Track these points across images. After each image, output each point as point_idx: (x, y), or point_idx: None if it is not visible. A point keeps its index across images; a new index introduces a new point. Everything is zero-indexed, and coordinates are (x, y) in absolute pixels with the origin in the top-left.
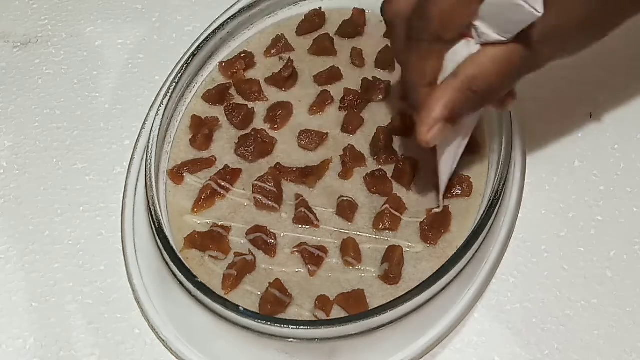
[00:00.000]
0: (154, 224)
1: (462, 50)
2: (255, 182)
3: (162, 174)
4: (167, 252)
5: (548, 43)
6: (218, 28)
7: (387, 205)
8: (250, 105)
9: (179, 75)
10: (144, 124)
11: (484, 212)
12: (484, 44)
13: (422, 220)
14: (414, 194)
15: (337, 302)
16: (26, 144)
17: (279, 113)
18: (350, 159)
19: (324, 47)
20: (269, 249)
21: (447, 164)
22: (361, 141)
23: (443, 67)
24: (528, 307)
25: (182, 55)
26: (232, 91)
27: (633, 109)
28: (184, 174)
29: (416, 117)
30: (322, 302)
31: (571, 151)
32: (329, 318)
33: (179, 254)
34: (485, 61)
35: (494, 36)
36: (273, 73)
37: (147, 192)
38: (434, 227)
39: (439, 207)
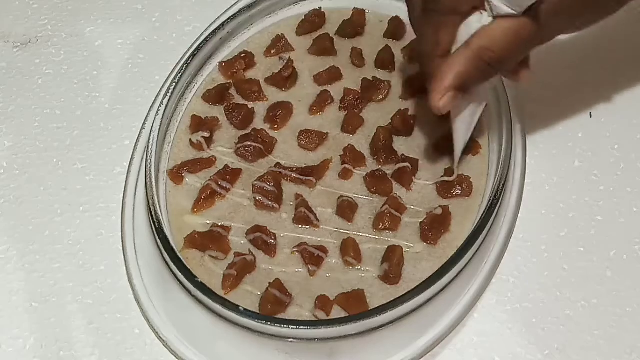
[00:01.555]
0: (154, 224)
1: (475, 22)
2: (255, 182)
3: (162, 174)
4: (167, 252)
5: (557, 17)
6: (218, 28)
7: (387, 205)
8: (250, 105)
9: (179, 75)
10: (144, 124)
11: (484, 212)
12: (496, 17)
13: (422, 220)
14: (414, 194)
15: (337, 302)
16: (26, 144)
17: (279, 113)
18: (350, 159)
19: (324, 47)
20: (269, 249)
21: (461, 131)
22: (361, 141)
23: (457, 39)
24: (528, 307)
25: (182, 55)
26: (232, 91)
27: (633, 109)
28: (184, 174)
29: (429, 85)
30: (322, 302)
31: (571, 151)
32: (329, 318)
33: (179, 254)
34: (496, 32)
35: (505, 9)
36: (273, 73)
37: (147, 192)
38: (434, 227)
39: (453, 174)
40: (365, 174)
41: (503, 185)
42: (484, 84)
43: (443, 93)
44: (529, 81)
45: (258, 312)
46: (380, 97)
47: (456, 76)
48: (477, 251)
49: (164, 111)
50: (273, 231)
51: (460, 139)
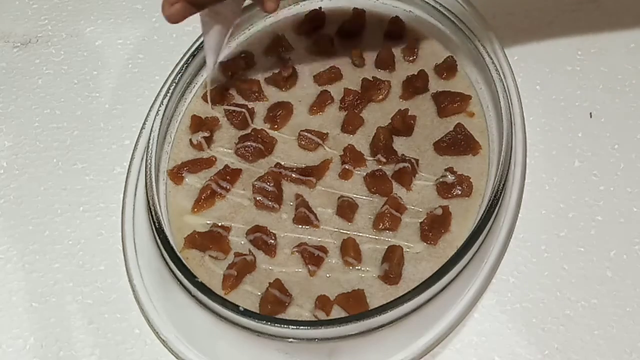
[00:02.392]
0: (154, 224)
1: None
2: (255, 182)
3: (162, 174)
4: (167, 252)
5: None
6: None
7: (387, 205)
8: (250, 105)
9: (179, 75)
10: (144, 124)
11: (484, 212)
12: None
13: (422, 220)
14: (414, 194)
15: (337, 302)
16: (26, 144)
17: (279, 113)
18: (350, 159)
19: (324, 47)
20: (269, 249)
21: (210, 48)
22: (361, 141)
23: None
24: (528, 307)
25: (182, 55)
26: (232, 91)
27: (633, 109)
28: (184, 174)
29: None
30: (322, 302)
31: (571, 151)
32: (329, 318)
33: (179, 254)
34: None
35: None
36: (273, 73)
37: (147, 192)
38: (434, 227)
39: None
40: (365, 174)
41: (503, 185)
42: (224, 6)
43: (172, 2)
44: (272, 10)
45: (258, 312)
46: (380, 97)
47: None
48: (477, 251)
49: (164, 111)
50: (273, 231)
51: (210, 56)
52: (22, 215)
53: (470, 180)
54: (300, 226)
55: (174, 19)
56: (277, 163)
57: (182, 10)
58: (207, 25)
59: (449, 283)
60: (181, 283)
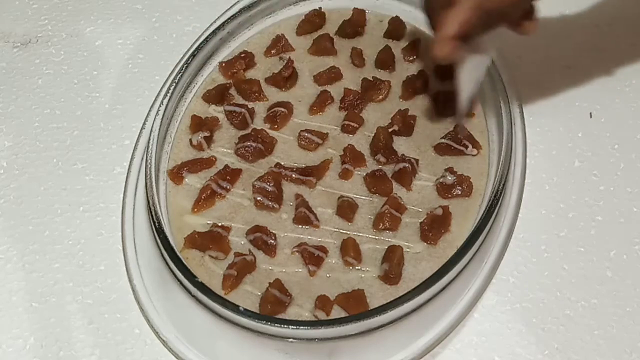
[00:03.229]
0: (154, 224)
1: None
2: (255, 182)
3: (162, 174)
4: (167, 252)
5: None
6: (218, 28)
7: (387, 205)
8: (250, 105)
9: (179, 75)
10: (144, 124)
11: (484, 212)
12: None
13: (422, 220)
14: (414, 194)
15: (337, 302)
16: (26, 144)
17: (279, 113)
18: (350, 159)
19: (324, 47)
20: (269, 249)
21: (466, 84)
22: (361, 141)
23: None
24: (528, 307)
25: (182, 55)
26: (232, 91)
27: (633, 109)
28: (184, 174)
29: (434, 35)
30: (322, 302)
31: (571, 151)
32: (329, 318)
33: (179, 254)
34: None
35: None
36: (273, 73)
37: (147, 192)
38: (434, 227)
39: (458, 125)
40: (365, 174)
41: (503, 185)
42: (488, 37)
43: (446, 42)
44: (533, 32)
45: (258, 312)
46: (380, 97)
47: (458, 24)
48: (477, 251)
49: (164, 111)
50: (273, 231)
51: (465, 92)
52: (22, 215)
53: (470, 180)
54: (300, 226)
55: (448, 59)
56: (277, 163)
57: (456, 48)
58: (463, 60)
59: (449, 283)
60: (181, 283)
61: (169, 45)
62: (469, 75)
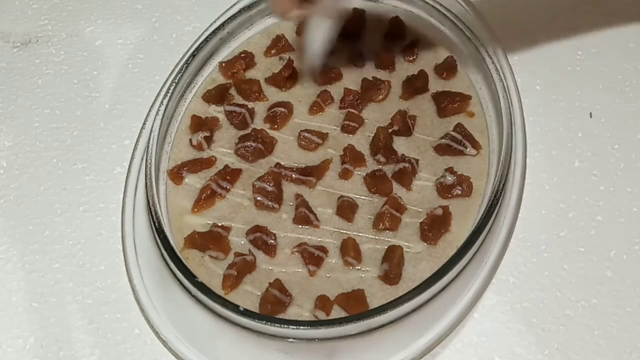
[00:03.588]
0: (154, 224)
1: None
2: (255, 182)
3: (162, 174)
4: (167, 252)
5: None
6: (218, 28)
7: (387, 205)
8: (250, 105)
9: (179, 75)
10: (144, 124)
11: (484, 212)
12: None
13: (422, 220)
14: (414, 194)
15: (337, 302)
16: (26, 144)
17: (279, 113)
18: (350, 159)
19: None
20: (269, 249)
21: (313, 43)
22: (361, 141)
23: None
24: (528, 307)
25: (182, 55)
26: (232, 91)
27: (633, 109)
28: (184, 174)
29: None
30: (322, 302)
31: (571, 151)
32: (329, 318)
33: (179, 254)
34: None
35: None
36: (273, 73)
37: (147, 192)
38: (434, 227)
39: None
40: (365, 174)
41: (503, 185)
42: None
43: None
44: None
45: (258, 312)
46: (380, 97)
47: None
48: (477, 251)
49: (164, 111)
50: (273, 231)
51: (311, 49)
52: (22, 215)
53: (470, 180)
54: (300, 226)
55: (288, 14)
56: (277, 163)
57: (291, 4)
58: (313, 18)
59: (449, 283)
60: (181, 283)
61: (169, 45)
62: (315, 35)
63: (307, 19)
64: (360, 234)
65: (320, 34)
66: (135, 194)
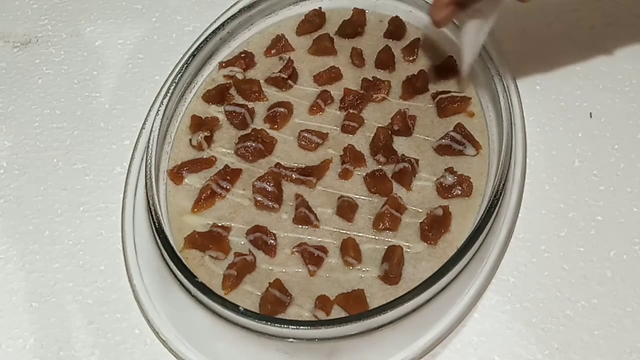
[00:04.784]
0: (154, 224)
1: None
2: (255, 182)
3: (162, 174)
4: (167, 252)
5: None
6: (218, 28)
7: (387, 205)
8: (250, 105)
9: (179, 75)
10: (144, 124)
11: (484, 212)
12: None
13: (422, 220)
14: (414, 194)
15: (337, 302)
16: (26, 144)
17: (279, 113)
18: (350, 159)
19: (324, 47)
20: (269, 249)
21: (468, 48)
22: (361, 141)
23: None
24: (528, 307)
25: (182, 55)
26: (232, 91)
27: (633, 109)
28: (184, 174)
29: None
30: (322, 302)
31: (571, 151)
32: (329, 318)
33: (179, 254)
34: None
35: None
36: (273, 73)
37: (147, 192)
38: (434, 227)
39: (461, 86)
40: (365, 174)
41: (503, 185)
42: (486, 2)
43: (442, 7)
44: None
45: (258, 312)
46: (380, 97)
47: None
48: (477, 251)
49: (164, 111)
50: (273, 231)
51: (466, 55)
52: (22, 215)
53: (470, 180)
54: (300, 226)
55: (445, 23)
56: (277, 163)
57: (451, 14)
58: (468, 23)
59: (449, 283)
60: (181, 283)
61: (169, 45)
62: (470, 40)
63: (463, 24)
64: (360, 234)
65: (475, 37)
66: (135, 194)
